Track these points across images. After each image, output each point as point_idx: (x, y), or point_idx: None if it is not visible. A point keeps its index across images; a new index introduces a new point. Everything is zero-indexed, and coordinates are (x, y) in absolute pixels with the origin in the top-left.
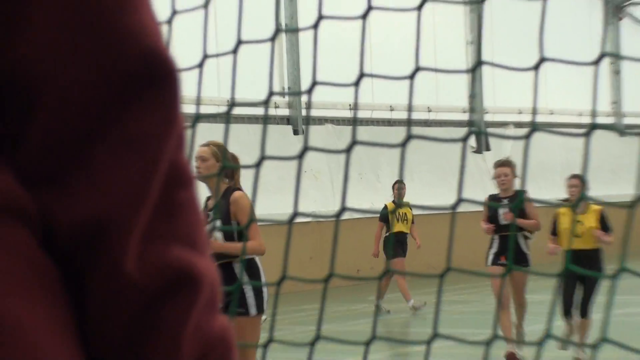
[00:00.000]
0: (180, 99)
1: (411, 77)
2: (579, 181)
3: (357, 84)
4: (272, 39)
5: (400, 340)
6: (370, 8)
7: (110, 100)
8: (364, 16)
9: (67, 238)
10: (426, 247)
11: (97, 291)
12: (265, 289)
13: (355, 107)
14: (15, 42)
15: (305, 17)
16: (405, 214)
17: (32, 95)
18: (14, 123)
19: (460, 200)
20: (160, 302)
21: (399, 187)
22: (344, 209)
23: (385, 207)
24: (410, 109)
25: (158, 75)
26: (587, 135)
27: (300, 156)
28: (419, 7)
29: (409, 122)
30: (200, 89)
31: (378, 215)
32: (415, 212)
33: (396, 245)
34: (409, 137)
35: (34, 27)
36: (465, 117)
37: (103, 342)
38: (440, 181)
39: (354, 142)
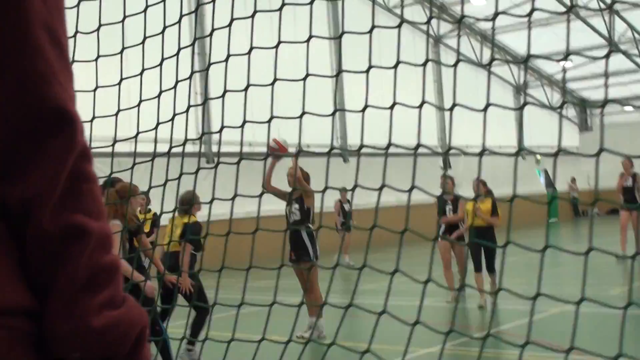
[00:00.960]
0: (79, 134)
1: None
2: (480, 183)
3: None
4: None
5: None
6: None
7: (36, 134)
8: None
9: (13, 209)
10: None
11: (29, 237)
12: (317, 246)
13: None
14: None
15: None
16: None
17: None
18: None
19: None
20: (65, 243)
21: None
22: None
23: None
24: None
25: (64, 121)
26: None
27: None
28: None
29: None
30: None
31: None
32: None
33: None
34: (360, 148)
35: None
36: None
37: (33, 267)
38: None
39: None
